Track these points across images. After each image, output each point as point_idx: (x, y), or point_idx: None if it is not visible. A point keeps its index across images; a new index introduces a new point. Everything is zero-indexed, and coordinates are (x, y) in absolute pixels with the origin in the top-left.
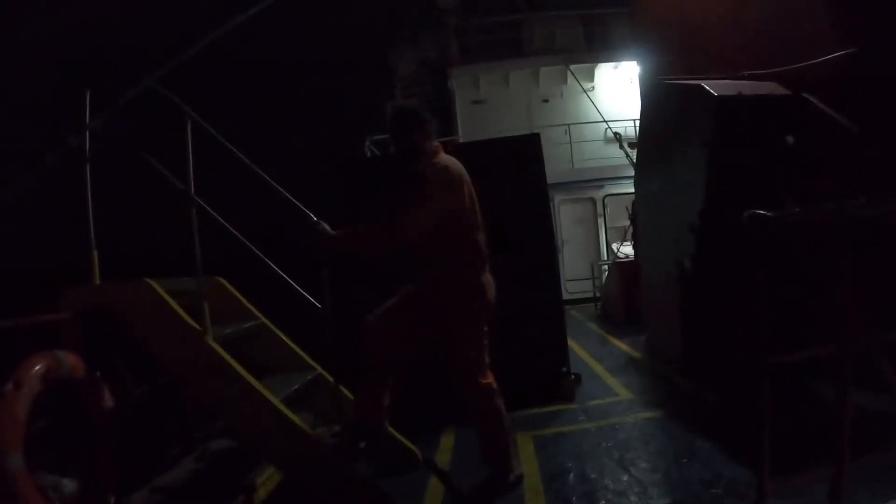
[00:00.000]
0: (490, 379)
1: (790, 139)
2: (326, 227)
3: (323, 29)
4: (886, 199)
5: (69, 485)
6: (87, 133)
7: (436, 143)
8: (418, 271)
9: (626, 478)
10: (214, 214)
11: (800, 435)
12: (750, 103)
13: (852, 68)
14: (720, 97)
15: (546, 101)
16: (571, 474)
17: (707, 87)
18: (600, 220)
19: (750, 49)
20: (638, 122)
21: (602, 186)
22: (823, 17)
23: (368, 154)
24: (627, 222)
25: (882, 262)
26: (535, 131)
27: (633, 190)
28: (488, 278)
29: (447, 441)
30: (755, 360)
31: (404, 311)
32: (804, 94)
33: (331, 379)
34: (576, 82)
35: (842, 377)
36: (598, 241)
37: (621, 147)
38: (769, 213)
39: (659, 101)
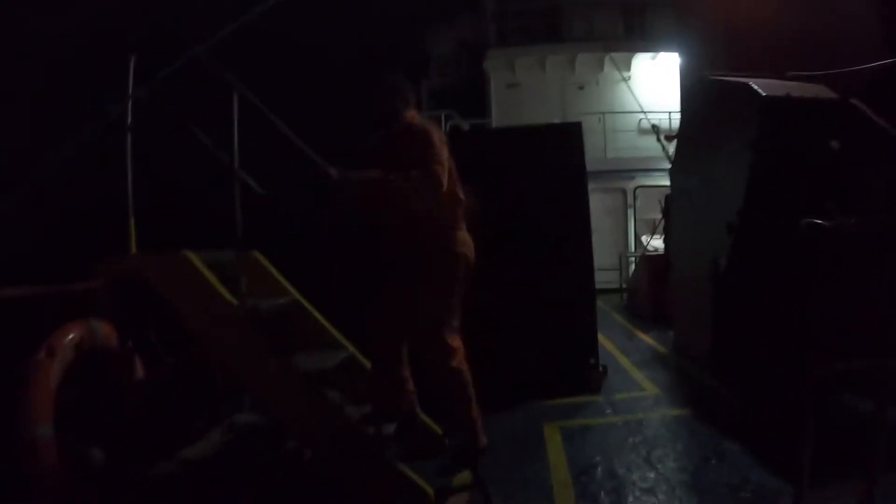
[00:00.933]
0: (457, 343)
1: (835, 144)
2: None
3: (362, 7)
4: None
5: (97, 454)
6: (131, 101)
7: (412, 111)
8: (396, 228)
9: (653, 475)
10: (256, 187)
11: (830, 446)
12: (797, 105)
13: None
14: (768, 97)
15: (581, 88)
16: (599, 469)
17: (755, 87)
18: (629, 212)
19: (798, 49)
20: (672, 115)
21: (633, 177)
22: (875, 23)
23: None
24: (657, 215)
25: None
26: (570, 118)
27: (664, 183)
28: (465, 235)
29: None
30: (800, 371)
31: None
32: (852, 100)
33: (364, 360)
34: (612, 71)
35: (882, 391)
36: (626, 232)
37: (658, 140)
38: (827, 223)
39: (702, 97)
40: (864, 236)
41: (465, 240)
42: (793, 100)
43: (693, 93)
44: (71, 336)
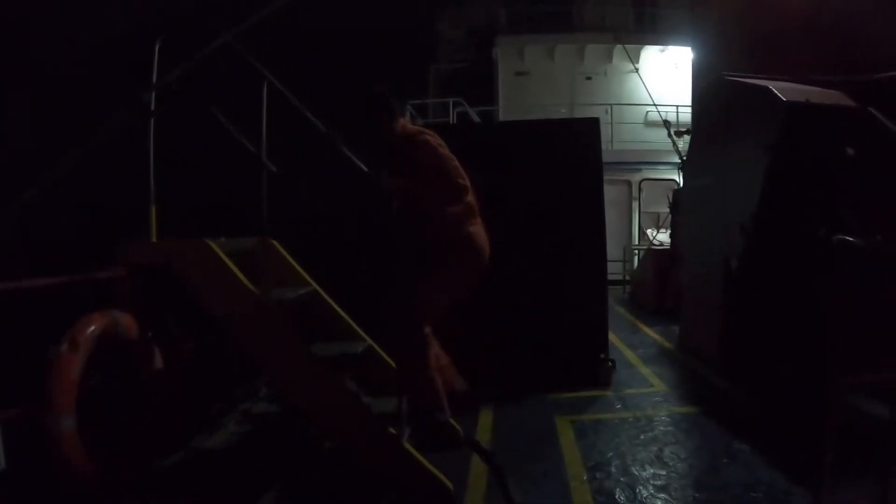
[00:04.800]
0: (428, 329)
1: (850, 151)
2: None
3: None
4: None
5: (118, 445)
6: (156, 88)
7: (402, 120)
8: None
9: (665, 473)
10: (283, 177)
11: (844, 448)
12: (816, 111)
13: None
14: (789, 102)
15: (589, 78)
16: (613, 465)
17: (775, 91)
18: (634, 204)
19: (817, 52)
20: (680, 109)
21: (639, 170)
22: None
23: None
24: (662, 208)
25: None
26: (577, 108)
27: (670, 176)
28: (478, 229)
29: (486, 418)
30: (823, 381)
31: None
32: (870, 108)
33: (382, 352)
34: (620, 62)
35: None
36: (630, 225)
37: (669, 135)
38: (860, 241)
39: (718, 97)
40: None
41: (478, 233)
42: (812, 105)
43: (708, 91)
44: (93, 328)
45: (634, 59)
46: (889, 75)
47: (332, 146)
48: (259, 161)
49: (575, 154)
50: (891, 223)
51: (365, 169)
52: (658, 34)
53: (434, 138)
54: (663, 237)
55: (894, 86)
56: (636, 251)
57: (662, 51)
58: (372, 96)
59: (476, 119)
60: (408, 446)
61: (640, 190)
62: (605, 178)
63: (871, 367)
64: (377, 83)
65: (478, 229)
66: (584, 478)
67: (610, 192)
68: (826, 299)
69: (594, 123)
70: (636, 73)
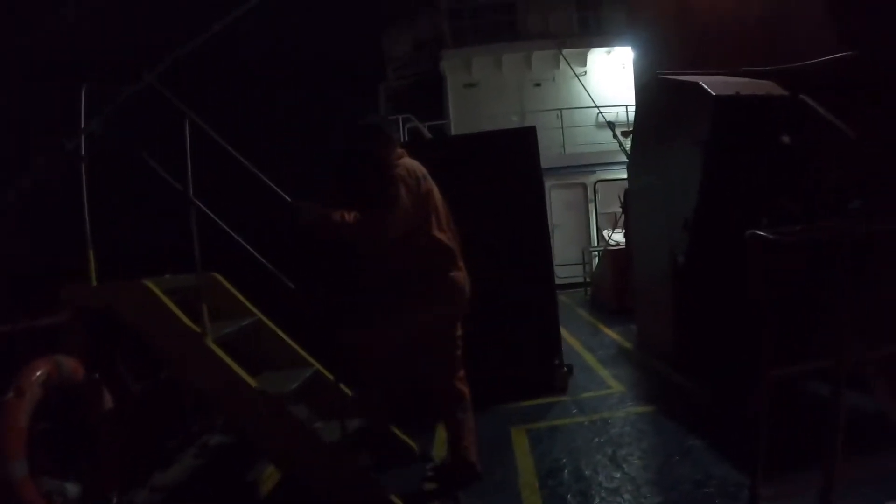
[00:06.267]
0: (462, 378)
1: (786, 139)
2: (312, 205)
3: (316, 9)
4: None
5: (72, 488)
6: (84, 134)
7: (399, 149)
8: (389, 273)
9: (619, 475)
10: (213, 217)
11: (790, 435)
12: (747, 103)
13: (851, 71)
14: (717, 97)
15: (538, 85)
16: (566, 471)
17: (704, 86)
18: (591, 206)
19: (748, 44)
20: (630, 109)
21: (593, 172)
22: (824, 18)
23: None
24: (618, 209)
25: (875, 274)
26: (528, 115)
27: (624, 176)
28: (459, 275)
29: (442, 434)
30: (755, 373)
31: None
32: (801, 96)
33: (329, 376)
34: (568, 67)
35: (836, 391)
36: (588, 227)
37: (615, 136)
38: (770, 235)
39: (655, 95)
40: (808, 243)
41: (461, 278)
42: (743, 98)
43: (646, 90)
44: (38, 374)
45: (582, 62)
46: (817, 62)
47: (257, 177)
48: (187, 198)
49: (515, 163)
50: (833, 209)
51: (287, 199)
52: (604, 36)
53: (412, 174)
54: (619, 237)
55: (824, 72)
56: (595, 253)
57: (609, 52)
58: (369, 128)
59: (427, 134)
60: (362, 468)
61: (595, 192)
62: (560, 181)
63: (798, 357)
64: (371, 114)
65: (458, 275)
66: (537, 486)
67: (566, 196)
68: (749, 292)
69: (531, 132)
70: (584, 77)
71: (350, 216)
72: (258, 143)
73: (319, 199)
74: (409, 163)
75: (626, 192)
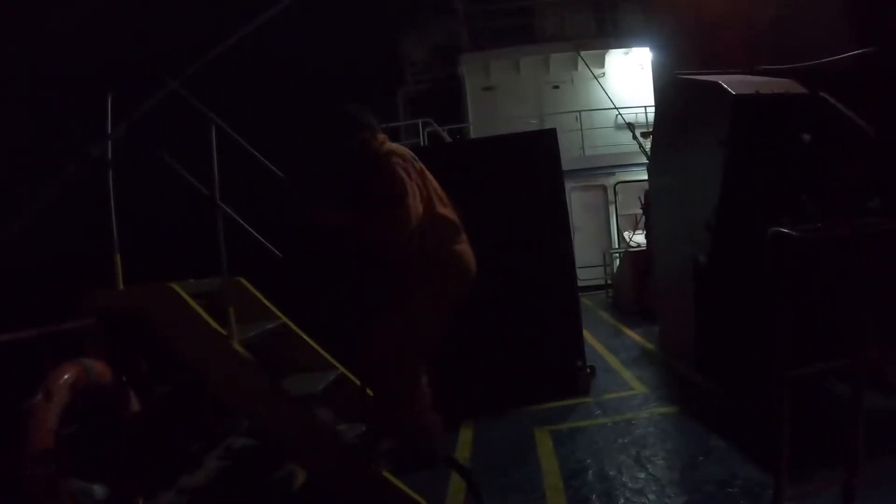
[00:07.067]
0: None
1: (806, 137)
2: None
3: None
4: None
5: (98, 490)
6: (110, 140)
7: (381, 135)
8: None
9: (643, 476)
10: (239, 220)
11: (812, 436)
12: (767, 102)
13: (870, 67)
14: (737, 96)
15: (556, 87)
16: (590, 472)
17: (724, 85)
18: (611, 208)
19: (766, 42)
20: (649, 109)
21: (613, 174)
22: (840, 15)
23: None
24: (639, 210)
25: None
26: (546, 118)
27: (644, 177)
28: (466, 248)
29: (465, 436)
30: (775, 374)
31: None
32: (821, 93)
33: (354, 379)
34: (585, 68)
35: (857, 392)
36: (609, 229)
37: (634, 137)
38: (793, 232)
39: (674, 96)
40: (832, 240)
41: (464, 253)
42: (763, 96)
43: (665, 91)
44: (66, 377)
45: (600, 63)
46: (836, 59)
47: (282, 183)
48: (214, 203)
49: (536, 166)
50: (853, 207)
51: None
52: (621, 37)
53: (404, 157)
54: (640, 238)
55: (842, 69)
56: (616, 255)
57: (626, 53)
58: (345, 114)
59: (447, 138)
60: (385, 472)
61: (615, 193)
62: (580, 184)
63: (820, 357)
64: (347, 102)
65: (464, 248)
66: (561, 486)
67: (586, 198)
68: (771, 291)
69: (552, 134)
70: (602, 79)
71: (364, 219)
72: (269, 145)
73: (333, 202)
74: (395, 147)
75: (647, 193)
